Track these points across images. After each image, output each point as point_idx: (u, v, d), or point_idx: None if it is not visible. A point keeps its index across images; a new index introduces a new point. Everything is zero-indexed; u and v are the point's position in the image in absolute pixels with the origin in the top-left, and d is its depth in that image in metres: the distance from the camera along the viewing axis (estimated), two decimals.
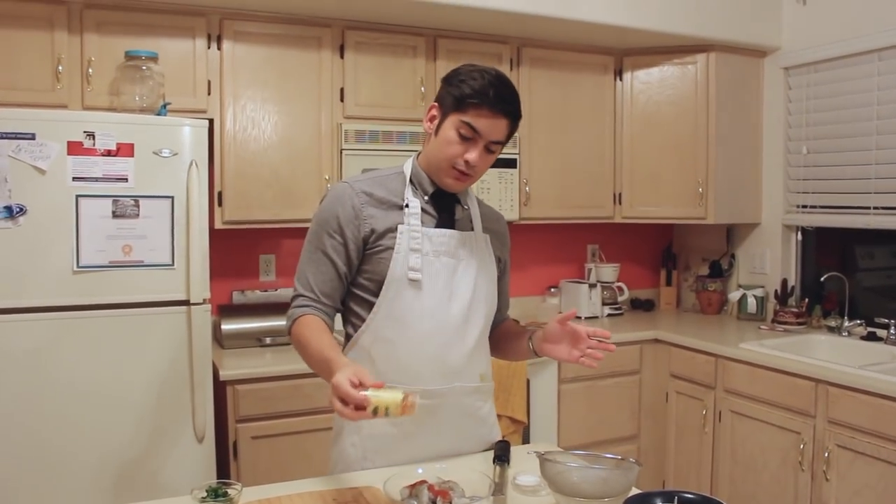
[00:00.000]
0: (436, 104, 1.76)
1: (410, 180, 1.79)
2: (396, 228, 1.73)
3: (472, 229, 1.85)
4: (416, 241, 1.73)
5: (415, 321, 1.72)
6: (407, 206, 1.75)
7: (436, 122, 1.75)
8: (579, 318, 4.00)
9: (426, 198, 1.79)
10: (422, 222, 1.75)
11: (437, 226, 1.78)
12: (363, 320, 1.76)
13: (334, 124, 3.29)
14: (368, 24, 3.34)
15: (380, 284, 1.73)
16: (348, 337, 1.81)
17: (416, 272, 1.72)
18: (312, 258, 1.75)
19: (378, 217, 1.73)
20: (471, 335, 1.80)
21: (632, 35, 3.64)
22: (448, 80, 1.74)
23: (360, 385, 1.40)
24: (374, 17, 3.29)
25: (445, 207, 1.81)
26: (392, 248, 1.72)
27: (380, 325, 1.73)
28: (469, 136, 1.68)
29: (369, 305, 1.75)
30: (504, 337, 1.97)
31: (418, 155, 1.83)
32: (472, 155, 1.69)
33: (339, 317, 1.81)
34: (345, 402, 1.38)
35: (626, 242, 4.47)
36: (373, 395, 1.39)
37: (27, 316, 2.46)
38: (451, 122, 1.70)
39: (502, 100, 1.68)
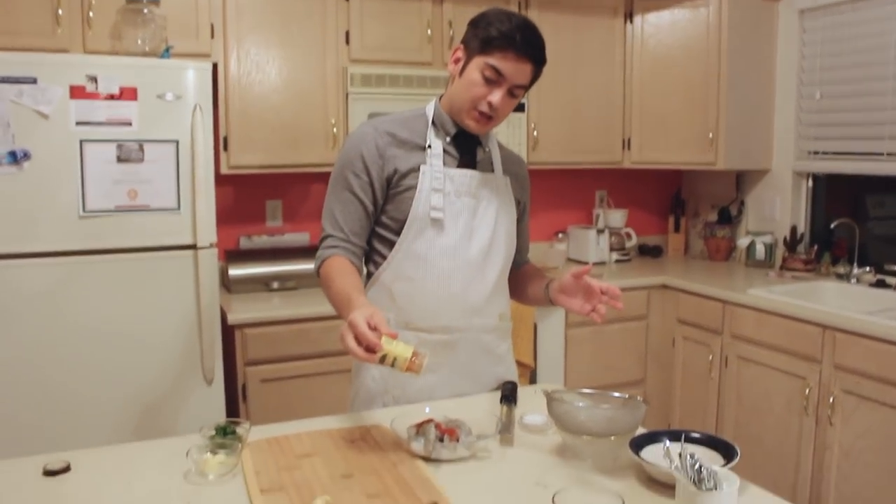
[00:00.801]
0: (461, 46, 1.76)
1: (433, 122, 1.81)
2: (419, 168, 1.76)
3: (493, 171, 1.87)
4: (438, 181, 1.76)
5: (435, 259, 1.76)
6: (429, 147, 1.78)
7: (460, 63, 1.76)
8: (587, 263, 4.00)
9: (448, 139, 1.81)
10: (444, 163, 1.78)
11: (459, 166, 1.81)
12: (385, 258, 1.80)
13: (340, 68, 3.25)
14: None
15: (402, 223, 1.76)
16: (370, 275, 1.85)
17: (438, 211, 1.75)
18: (340, 198, 1.78)
19: (401, 157, 1.77)
20: (490, 274, 1.83)
21: None
22: (475, 23, 1.74)
23: (375, 329, 1.42)
24: None
25: (467, 149, 1.83)
26: (415, 188, 1.75)
27: (401, 263, 1.77)
28: (493, 79, 1.69)
29: (391, 244, 1.78)
30: (523, 280, 2.00)
31: (441, 97, 1.85)
32: (496, 97, 1.70)
33: None
34: (357, 340, 1.41)
35: (634, 188, 4.44)
36: (385, 343, 1.40)
37: (35, 261, 2.47)
38: (476, 64, 1.71)
39: (529, 44, 1.69)
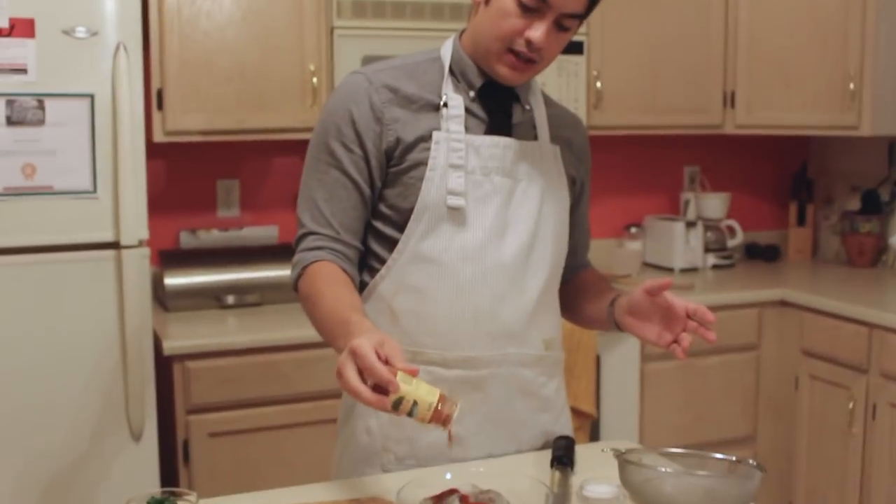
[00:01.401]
0: None
1: (451, 70, 1.79)
2: (430, 137, 1.74)
3: (536, 138, 1.84)
4: (458, 155, 1.73)
5: (454, 264, 1.74)
6: (445, 105, 1.75)
7: None
8: (671, 270, 3.99)
9: (472, 94, 1.78)
10: (466, 128, 1.75)
11: (488, 132, 1.78)
12: (383, 263, 1.78)
13: None
14: None
15: (407, 214, 1.73)
16: (363, 286, 1.82)
17: (458, 197, 1.73)
18: (325, 180, 1.76)
19: (405, 121, 1.75)
20: (532, 285, 1.80)
21: None
22: None
23: (387, 363, 1.38)
24: None
25: (499, 107, 1.81)
26: (424, 164, 1.73)
27: (405, 270, 1.75)
28: (533, 6, 1.65)
29: (392, 243, 1.76)
30: (579, 293, 1.99)
31: (461, 34, 1.83)
32: (538, 32, 1.66)
33: None
34: (362, 376, 1.37)
35: (739, 164, 4.43)
36: (402, 381, 1.36)
37: None
38: None
39: None
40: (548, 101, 1.92)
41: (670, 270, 3.99)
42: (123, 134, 2.63)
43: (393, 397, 1.36)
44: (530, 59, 1.70)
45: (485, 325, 1.75)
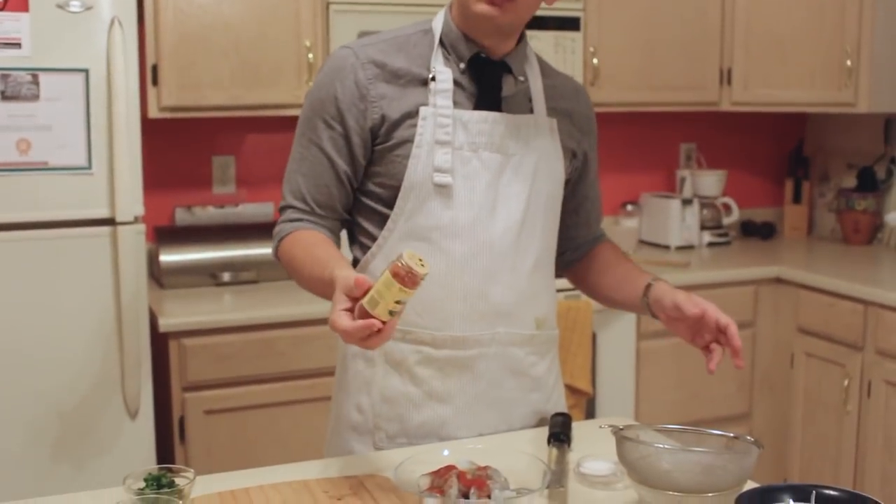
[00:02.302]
0: None
1: (441, 42, 1.77)
2: (417, 112, 1.72)
3: (532, 111, 1.83)
4: (446, 130, 1.72)
5: (443, 242, 1.72)
6: (433, 79, 1.73)
7: None
8: (668, 247, 3.99)
9: (462, 66, 1.76)
10: (455, 102, 1.74)
11: (477, 106, 1.76)
12: (374, 240, 1.78)
13: None
14: None
15: (395, 191, 1.73)
16: (356, 262, 1.83)
17: (445, 174, 1.71)
18: (305, 157, 1.78)
19: (392, 97, 1.73)
20: (524, 263, 1.79)
21: None
22: None
23: (356, 300, 1.42)
24: None
25: (489, 80, 1.78)
26: (411, 142, 1.71)
27: (395, 248, 1.72)
28: None
29: (382, 220, 1.76)
30: (600, 273, 1.97)
31: (451, 6, 1.80)
32: None
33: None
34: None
35: (736, 141, 4.43)
36: (366, 300, 1.39)
37: None
38: None
39: None
40: (547, 71, 1.90)
41: (667, 248, 4.00)
42: (118, 109, 2.62)
43: (377, 312, 1.39)
44: None
45: (476, 304, 1.74)
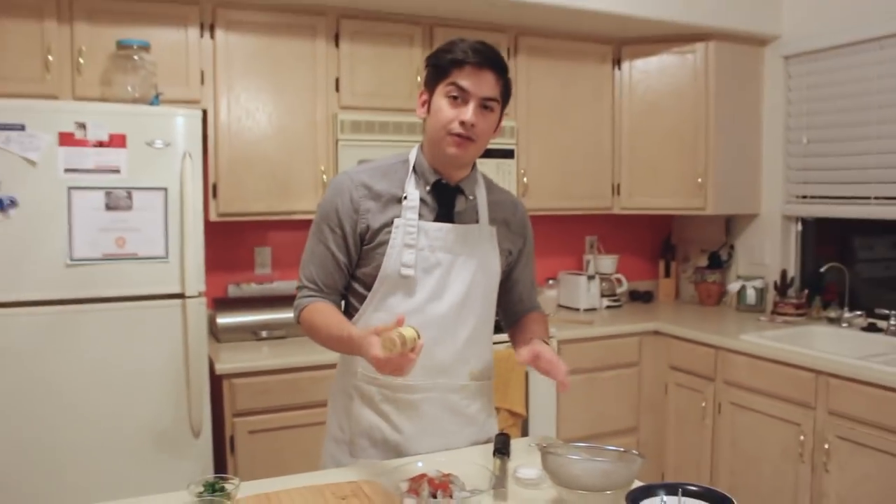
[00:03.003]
0: (423, 88, 1.77)
1: (414, 169, 1.78)
2: (392, 223, 1.73)
3: (478, 221, 1.82)
4: (411, 237, 1.73)
5: (406, 317, 1.64)
6: (405, 197, 1.74)
7: (427, 104, 1.75)
8: (578, 310, 4.00)
9: (427, 188, 1.77)
10: (420, 215, 1.75)
11: (437, 219, 1.77)
12: (357, 311, 1.79)
13: (330, 114, 3.27)
14: (364, 12, 3.32)
15: (373, 279, 1.75)
16: None
17: (409, 268, 1.73)
18: (315, 251, 1.80)
19: (374, 212, 1.74)
20: (461, 332, 1.79)
21: (630, 23, 3.62)
22: (428, 60, 1.76)
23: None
24: (369, 5, 3.27)
25: (447, 199, 1.79)
26: (387, 244, 1.73)
27: (370, 319, 1.75)
28: (458, 96, 1.68)
29: (363, 298, 1.78)
30: (519, 332, 1.97)
31: (422, 145, 1.82)
32: (467, 114, 1.67)
33: None
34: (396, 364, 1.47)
35: (624, 234, 4.46)
36: (393, 336, 1.47)
37: (20, 310, 2.45)
38: (439, 92, 1.70)
39: (480, 52, 1.68)
40: (492, 189, 1.89)
41: (577, 310, 4.00)
42: (188, 215, 2.63)
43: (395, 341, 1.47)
44: (468, 137, 1.69)
45: (423, 361, 1.66)
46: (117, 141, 2.54)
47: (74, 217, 2.49)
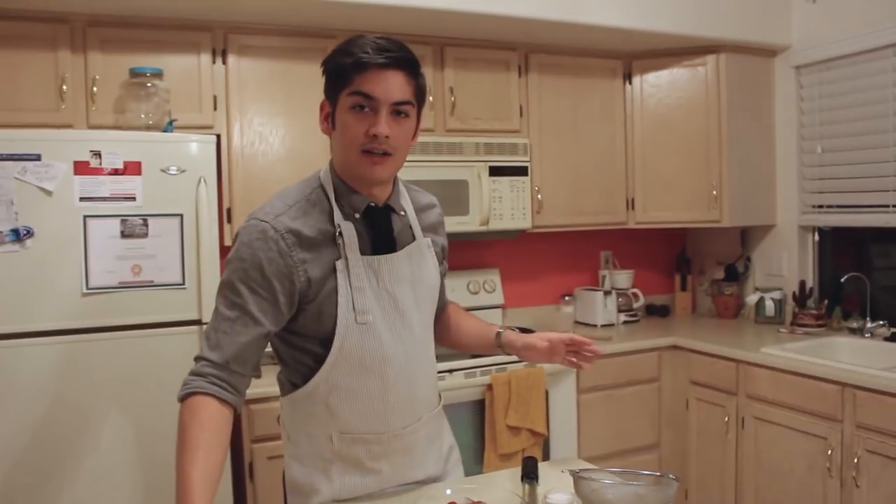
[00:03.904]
0: (324, 100, 1.53)
1: (335, 197, 1.54)
2: (335, 267, 1.49)
3: (414, 237, 1.63)
4: (359, 279, 1.50)
5: (377, 366, 1.53)
6: (340, 235, 1.50)
7: (330, 118, 1.52)
8: (595, 325, 3.94)
9: (357, 215, 1.54)
10: (360, 250, 1.52)
11: (377, 249, 1.55)
12: (312, 369, 1.54)
13: None
14: (374, 34, 3.29)
15: (328, 333, 1.50)
16: (294, 386, 1.58)
17: (366, 314, 1.50)
18: (228, 316, 1.45)
19: (312, 260, 1.48)
20: (429, 358, 1.67)
21: (640, 38, 3.60)
22: (324, 64, 1.51)
23: None
24: (379, 27, 3.25)
25: (382, 224, 1.57)
26: (336, 292, 1.48)
27: (338, 376, 1.52)
28: (365, 105, 1.43)
29: (316, 355, 1.53)
30: (452, 328, 1.83)
31: (331, 163, 1.58)
32: (379, 125, 1.42)
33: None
34: None
35: (639, 248, 4.41)
36: None
37: (36, 340, 2.42)
38: (342, 104, 1.46)
39: (383, 49, 1.44)
40: (413, 194, 1.69)
41: (595, 326, 3.94)
42: (203, 241, 2.60)
43: None
44: (384, 152, 1.45)
45: (408, 404, 1.60)
46: (132, 168, 2.52)
47: (90, 246, 2.47)
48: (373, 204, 1.55)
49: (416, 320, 1.60)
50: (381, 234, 1.56)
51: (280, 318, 1.47)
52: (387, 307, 1.54)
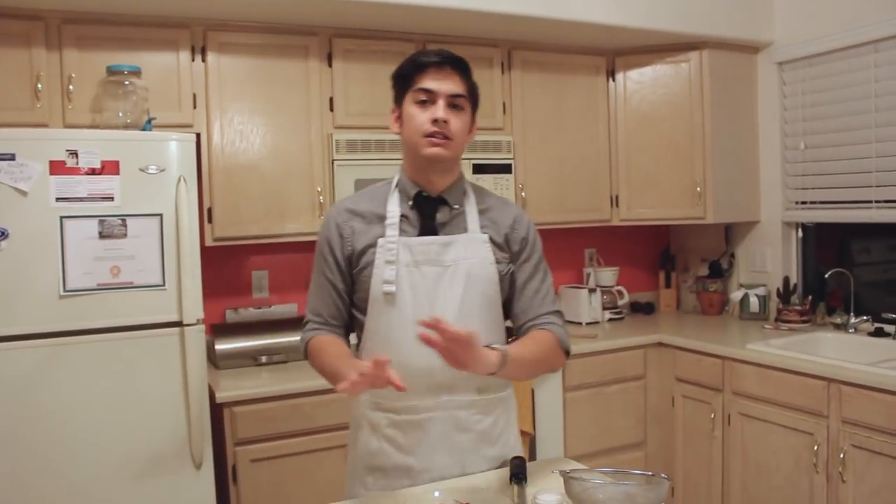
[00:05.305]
0: (393, 106, 1.79)
1: (397, 187, 1.78)
2: (376, 243, 1.73)
3: (467, 230, 1.76)
4: (392, 253, 1.71)
5: (396, 336, 1.70)
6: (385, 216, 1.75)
7: (399, 118, 1.77)
8: (580, 324, 3.93)
9: (409, 202, 1.76)
10: (404, 231, 1.74)
11: (421, 232, 1.75)
12: (360, 339, 1.81)
13: (324, 135, 3.21)
14: (356, 31, 3.27)
15: (366, 302, 1.74)
16: (358, 351, 1.84)
17: (390, 284, 1.70)
18: (317, 282, 1.81)
19: (360, 233, 1.75)
20: None
21: (623, 34, 3.59)
22: (392, 76, 1.78)
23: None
24: (361, 23, 3.22)
25: (429, 212, 1.77)
26: (373, 264, 1.72)
27: (372, 345, 1.74)
28: (426, 99, 1.69)
29: (361, 325, 1.79)
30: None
31: (404, 163, 1.82)
32: (438, 112, 1.67)
33: None
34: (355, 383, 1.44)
35: (623, 245, 4.41)
36: None
37: (13, 344, 2.37)
38: (408, 101, 1.72)
39: (436, 53, 1.71)
40: (488, 197, 1.84)
41: (580, 324, 3.93)
42: (184, 242, 2.55)
43: None
44: (443, 136, 1.69)
45: (423, 380, 1.69)
46: (110, 168, 2.47)
47: (67, 247, 2.42)
48: (424, 193, 1.75)
49: (451, 305, 1.70)
50: (426, 220, 1.75)
51: (346, 280, 1.78)
52: (417, 285, 1.71)
